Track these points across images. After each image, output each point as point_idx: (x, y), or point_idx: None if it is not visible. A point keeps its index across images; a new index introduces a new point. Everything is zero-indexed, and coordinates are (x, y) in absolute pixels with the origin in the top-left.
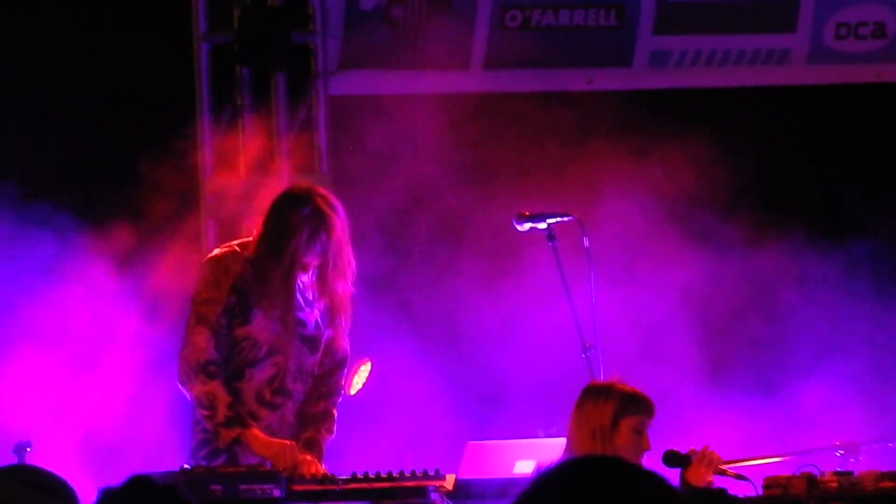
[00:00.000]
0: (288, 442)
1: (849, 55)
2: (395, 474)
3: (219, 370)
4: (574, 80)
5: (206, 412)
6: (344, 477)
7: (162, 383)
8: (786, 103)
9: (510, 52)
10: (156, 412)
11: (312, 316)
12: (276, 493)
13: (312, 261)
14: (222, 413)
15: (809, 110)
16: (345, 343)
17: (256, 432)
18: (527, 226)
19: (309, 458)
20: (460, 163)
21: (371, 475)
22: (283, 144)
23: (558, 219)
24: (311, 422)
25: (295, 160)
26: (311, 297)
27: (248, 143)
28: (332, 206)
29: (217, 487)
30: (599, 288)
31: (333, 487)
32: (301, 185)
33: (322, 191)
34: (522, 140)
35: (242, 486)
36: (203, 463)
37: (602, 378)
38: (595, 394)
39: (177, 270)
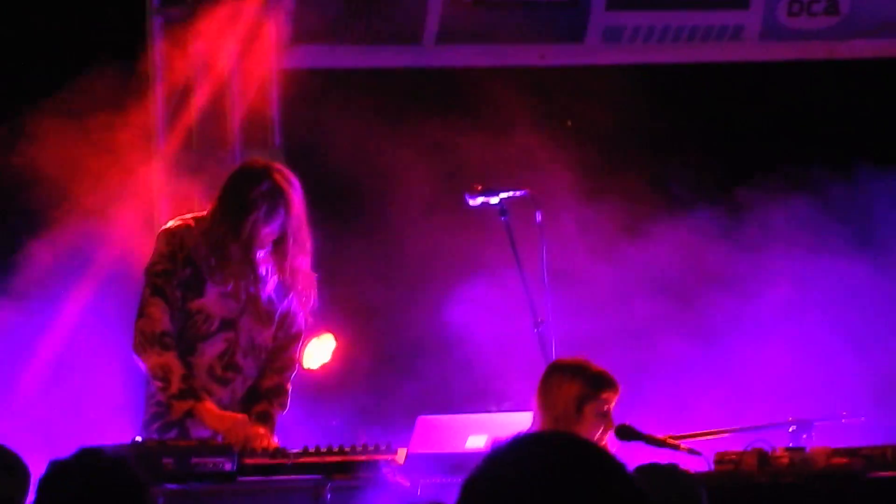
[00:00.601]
0: (240, 416)
1: (801, 32)
2: (346, 448)
3: (174, 342)
4: (527, 56)
5: (159, 384)
6: (295, 451)
7: (114, 355)
8: (739, 80)
9: (463, 27)
10: (109, 385)
11: (266, 290)
12: (228, 466)
13: (270, 236)
14: (176, 385)
15: (762, 87)
16: (300, 318)
17: (209, 405)
18: (479, 200)
19: (262, 431)
20: (412, 137)
21: (322, 449)
22: (236, 118)
23: (511, 193)
24: (264, 396)
25: (247, 134)
26: (264, 273)
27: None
28: (289, 182)
29: (168, 461)
30: (551, 262)
31: (285, 461)
32: (257, 160)
33: (279, 166)
34: (475, 115)
35: (194, 460)
36: (155, 436)
37: (553, 354)
38: (560, 374)
39: (128, 245)
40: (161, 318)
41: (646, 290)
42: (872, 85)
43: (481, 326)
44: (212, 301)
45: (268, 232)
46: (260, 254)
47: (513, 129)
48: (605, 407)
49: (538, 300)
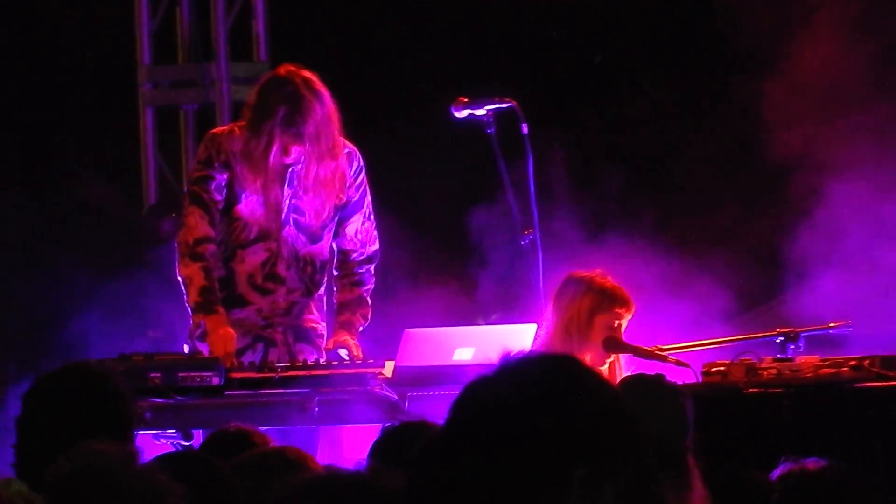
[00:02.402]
0: (226, 331)
1: None
2: (333, 362)
3: (207, 250)
4: None
5: (185, 296)
6: (283, 364)
7: None
8: None
9: None
10: None
11: (312, 204)
12: (215, 380)
13: (291, 143)
14: (193, 298)
15: None
16: (365, 234)
17: (215, 319)
18: (465, 112)
19: (345, 337)
20: (398, 46)
21: (309, 363)
22: (221, 32)
23: (497, 105)
24: (346, 307)
25: (233, 48)
26: (309, 185)
27: (185, 31)
28: (312, 91)
29: (156, 375)
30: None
31: (272, 375)
32: (289, 67)
33: (308, 74)
34: (460, 26)
35: (181, 374)
36: (197, 343)
37: (541, 267)
38: (576, 284)
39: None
40: (196, 225)
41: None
42: None
43: (468, 241)
44: (249, 209)
45: (287, 138)
46: (301, 167)
47: (497, 37)
48: (616, 322)
49: (525, 213)
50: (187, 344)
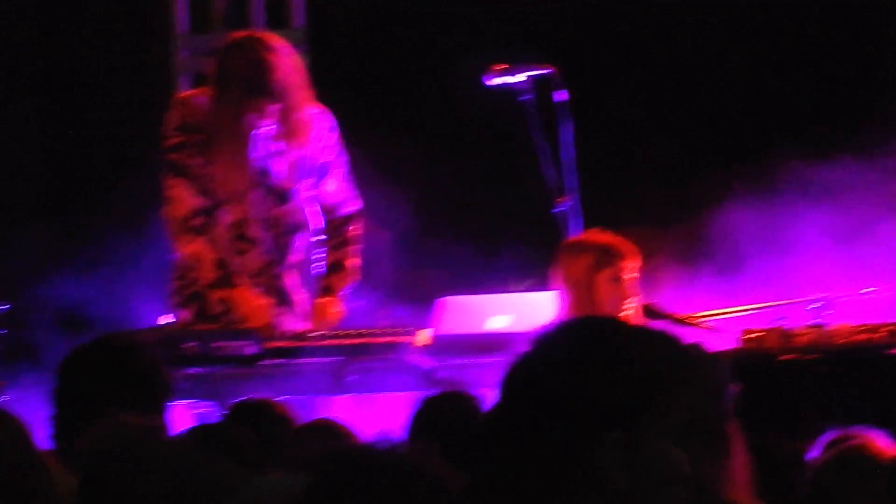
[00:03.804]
0: (263, 301)
1: None
2: (367, 331)
3: (205, 220)
4: None
5: (194, 274)
6: (317, 333)
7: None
8: None
9: None
10: None
11: (279, 165)
12: (250, 349)
13: (264, 104)
14: (208, 273)
15: None
16: (341, 194)
17: (240, 292)
18: (499, 80)
19: (324, 301)
20: (437, 16)
21: (343, 332)
22: None
23: (536, 71)
24: (328, 271)
25: (270, 15)
26: (273, 149)
27: None
28: (270, 49)
29: (191, 345)
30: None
31: (307, 343)
32: (239, 33)
33: (259, 34)
34: None
35: (216, 344)
36: (175, 310)
37: (579, 231)
38: (569, 250)
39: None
40: (183, 197)
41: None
42: None
43: (503, 208)
44: (220, 170)
45: (258, 102)
46: (269, 128)
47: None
48: (618, 273)
49: (560, 180)
50: (171, 312)
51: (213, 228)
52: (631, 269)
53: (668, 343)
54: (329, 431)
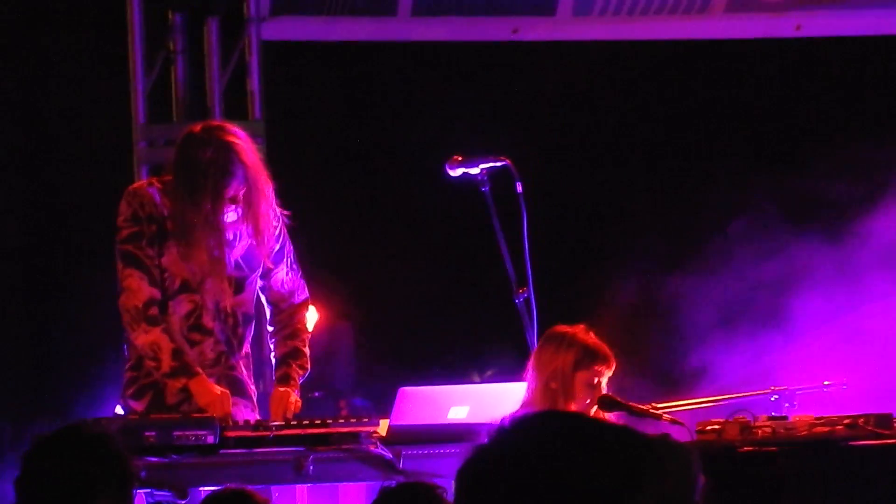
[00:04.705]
0: (223, 391)
1: (768, 3)
2: (328, 420)
3: (159, 311)
4: (499, 30)
5: (152, 363)
6: (277, 423)
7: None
8: (706, 57)
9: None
10: None
11: (233, 255)
12: (210, 439)
13: (231, 189)
14: (167, 363)
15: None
16: (292, 283)
17: (199, 381)
18: (459, 171)
19: (283, 391)
20: (391, 109)
21: (304, 421)
22: (216, 90)
23: (491, 164)
24: (283, 360)
25: (228, 106)
26: (231, 237)
27: (181, 89)
28: (235, 134)
29: (150, 434)
30: (531, 233)
31: (267, 434)
32: (198, 124)
33: (218, 123)
34: (451, 86)
35: (176, 433)
36: (130, 402)
37: (535, 324)
38: (558, 340)
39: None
40: (139, 287)
41: (631, 258)
42: None
43: (463, 298)
44: (173, 260)
45: (232, 190)
46: (228, 217)
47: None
48: (597, 379)
49: (520, 270)
50: (121, 404)
51: (168, 318)
52: (606, 375)
53: (641, 438)
54: None
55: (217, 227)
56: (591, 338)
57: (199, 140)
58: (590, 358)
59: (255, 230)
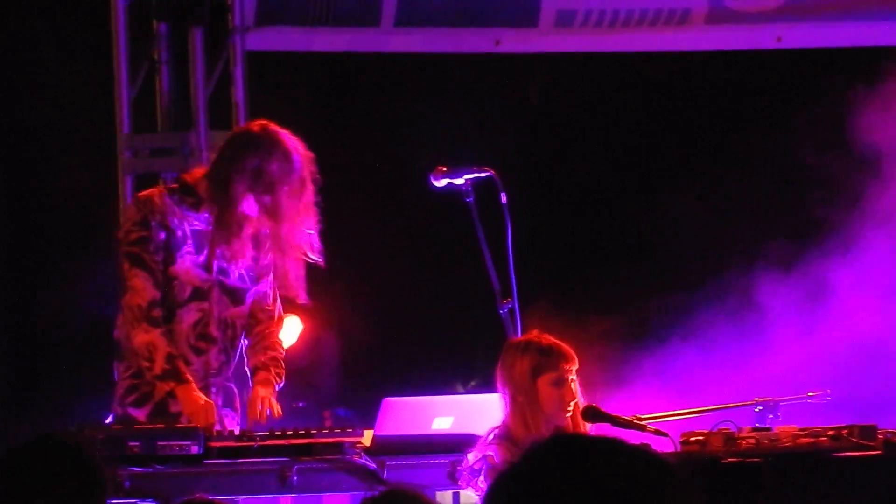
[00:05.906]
0: (207, 402)
1: (748, 14)
2: (312, 430)
3: (161, 313)
4: (482, 42)
5: (145, 363)
6: (261, 433)
7: None
8: (686, 69)
9: (421, 10)
10: None
11: (237, 267)
12: (194, 449)
13: (259, 206)
14: (160, 366)
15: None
16: (273, 296)
17: (187, 389)
18: (444, 182)
19: (263, 392)
20: (375, 120)
21: (288, 431)
22: (201, 100)
23: (476, 174)
24: (262, 367)
25: (212, 116)
26: (236, 251)
27: (165, 99)
28: (286, 150)
29: (134, 444)
30: (516, 243)
31: (251, 444)
32: (256, 123)
33: (275, 128)
34: (435, 96)
35: (160, 443)
36: (130, 409)
37: (519, 335)
38: (513, 351)
39: (96, 229)
40: (144, 287)
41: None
42: None
43: (447, 309)
44: (184, 269)
45: (258, 202)
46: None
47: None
48: (560, 376)
49: (504, 281)
50: (116, 412)
51: (176, 327)
52: (571, 371)
53: (648, 456)
54: None
55: (244, 235)
56: (545, 339)
57: (250, 142)
58: (545, 360)
59: (288, 243)
